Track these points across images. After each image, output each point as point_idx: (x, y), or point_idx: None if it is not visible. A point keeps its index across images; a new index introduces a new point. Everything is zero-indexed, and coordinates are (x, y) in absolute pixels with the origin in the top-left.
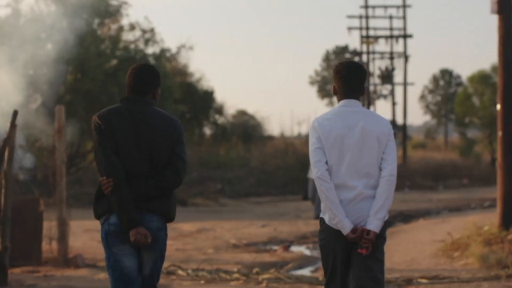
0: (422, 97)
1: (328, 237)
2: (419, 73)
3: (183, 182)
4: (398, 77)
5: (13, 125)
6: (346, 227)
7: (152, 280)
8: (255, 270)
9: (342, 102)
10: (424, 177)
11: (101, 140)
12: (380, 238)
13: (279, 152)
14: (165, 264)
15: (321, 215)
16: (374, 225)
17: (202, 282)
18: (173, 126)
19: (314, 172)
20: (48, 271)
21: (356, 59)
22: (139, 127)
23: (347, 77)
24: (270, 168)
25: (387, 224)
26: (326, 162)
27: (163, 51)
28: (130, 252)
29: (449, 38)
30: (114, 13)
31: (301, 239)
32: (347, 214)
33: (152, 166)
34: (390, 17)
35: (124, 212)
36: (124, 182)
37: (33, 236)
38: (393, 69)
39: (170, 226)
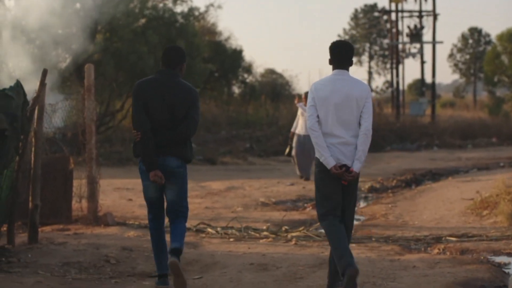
0: (451, 55)
1: (324, 172)
2: (448, 32)
3: (212, 141)
4: (427, 35)
5: (42, 84)
6: (330, 163)
7: (174, 204)
8: (284, 228)
9: (334, 71)
10: (452, 135)
11: (135, 102)
12: (356, 179)
13: None
14: (194, 222)
15: (316, 155)
16: (356, 167)
17: (231, 240)
18: (190, 93)
19: (308, 124)
20: (78, 229)
21: (385, 17)
22: (164, 93)
23: (337, 53)
24: None
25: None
26: (318, 116)
27: (191, 10)
28: (153, 186)
29: None
30: None
31: None
32: (332, 154)
33: (172, 122)
34: None
35: (146, 157)
36: (148, 135)
37: (63, 194)
38: (422, 27)
39: (198, 185)
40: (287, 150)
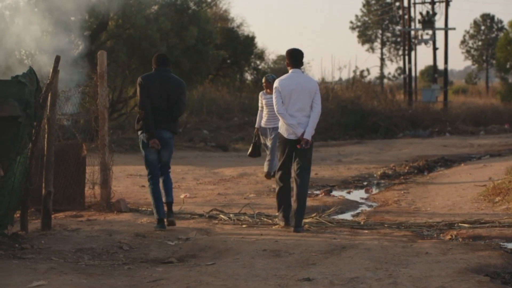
0: (463, 42)
1: (283, 142)
2: (461, 18)
3: (225, 128)
4: (439, 22)
5: (55, 70)
6: (299, 132)
7: (167, 164)
8: None
9: (291, 70)
10: (465, 122)
11: (141, 90)
12: (311, 147)
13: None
14: (207, 208)
15: (278, 131)
16: (306, 135)
17: (244, 226)
18: (180, 84)
19: (277, 109)
20: (91, 216)
21: (397, 4)
22: (162, 84)
23: (294, 57)
24: None
25: (313, 139)
26: (282, 102)
27: None
28: (153, 151)
29: None
30: None
31: (343, 184)
32: (292, 131)
33: (167, 105)
34: None
35: (148, 129)
36: (149, 114)
37: (76, 181)
38: (434, 14)
39: (211, 171)
40: (251, 149)
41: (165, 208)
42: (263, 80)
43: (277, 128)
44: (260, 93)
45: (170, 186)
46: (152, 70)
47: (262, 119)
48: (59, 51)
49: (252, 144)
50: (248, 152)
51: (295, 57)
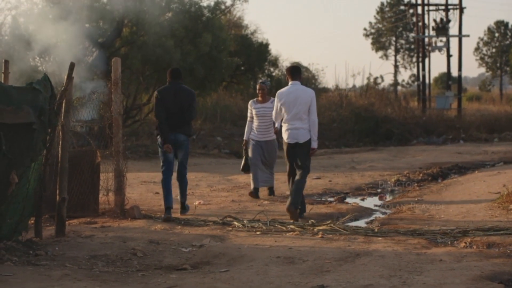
0: (477, 49)
1: (287, 146)
2: (474, 25)
3: (239, 135)
4: (453, 29)
5: (69, 77)
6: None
7: (183, 163)
8: (310, 221)
9: (290, 83)
10: (479, 129)
11: (157, 103)
12: (309, 151)
13: (333, 104)
14: (221, 215)
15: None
16: (314, 145)
17: (257, 233)
18: (191, 94)
19: (274, 118)
20: (105, 222)
21: (411, 11)
22: (175, 94)
23: (291, 72)
24: (325, 120)
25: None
26: (280, 111)
27: (218, 3)
28: (168, 152)
29: None
30: None
31: (356, 191)
32: (290, 135)
33: (180, 112)
34: None
35: (162, 135)
36: (163, 123)
37: (90, 188)
38: (448, 21)
39: (225, 178)
40: (243, 163)
41: (179, 206)
42: (258, 88)
43: (270, 141)
44: (250, 102)
45: (185, 187)
46: (166, 82)
47: (252, 131)
48: (73, 57)
49: (244, 158)
50: (241, 167)
51: (292, 72)
